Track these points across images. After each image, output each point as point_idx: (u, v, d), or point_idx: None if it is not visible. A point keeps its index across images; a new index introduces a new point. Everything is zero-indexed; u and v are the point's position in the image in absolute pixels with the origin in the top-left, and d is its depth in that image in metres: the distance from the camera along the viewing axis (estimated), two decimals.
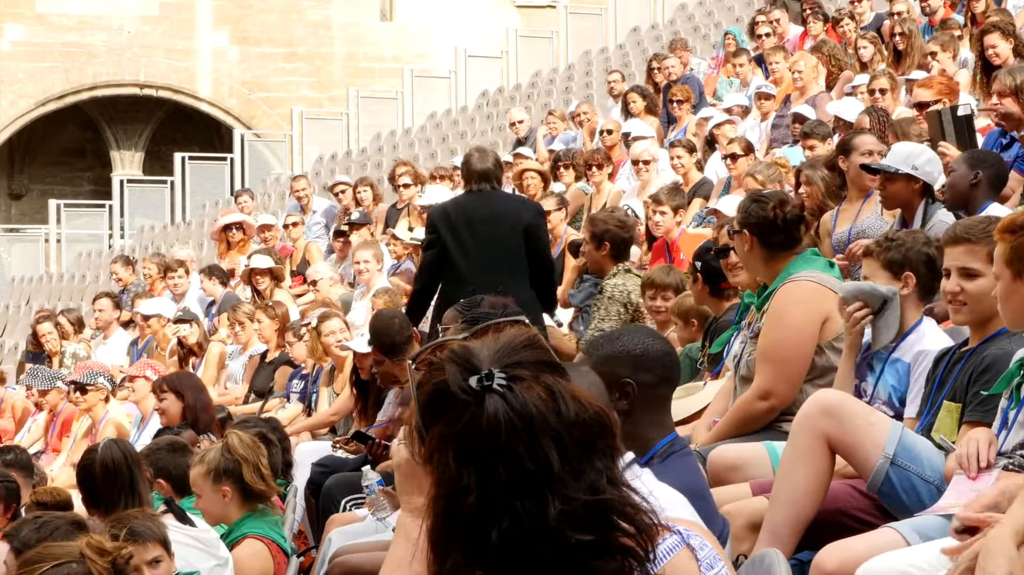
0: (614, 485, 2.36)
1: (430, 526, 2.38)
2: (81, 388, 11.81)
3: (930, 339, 5.62)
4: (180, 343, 13.81)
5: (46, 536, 4.88)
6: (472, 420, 2.33)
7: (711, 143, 14.26)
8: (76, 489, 9.90)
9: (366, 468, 7.84)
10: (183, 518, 6.25)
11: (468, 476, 2.32)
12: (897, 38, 13.68)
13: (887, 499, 4.92)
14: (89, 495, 6.51)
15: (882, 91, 12.10)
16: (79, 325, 16.60)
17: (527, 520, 2.30)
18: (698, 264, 7.89)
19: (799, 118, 13.14)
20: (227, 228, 17.35)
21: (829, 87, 14.43)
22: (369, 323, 9.29)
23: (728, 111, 14.93)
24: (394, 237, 14.80)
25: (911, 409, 5.41)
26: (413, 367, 2.58)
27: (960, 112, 9.23)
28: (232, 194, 26.89)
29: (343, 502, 8.58)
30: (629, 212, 11.06)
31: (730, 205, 9.59)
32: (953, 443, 4.85)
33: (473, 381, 2.35)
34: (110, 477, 6.35)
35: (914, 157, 7.83)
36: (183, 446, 7.40)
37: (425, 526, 2.39)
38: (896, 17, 14.58)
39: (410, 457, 2.59)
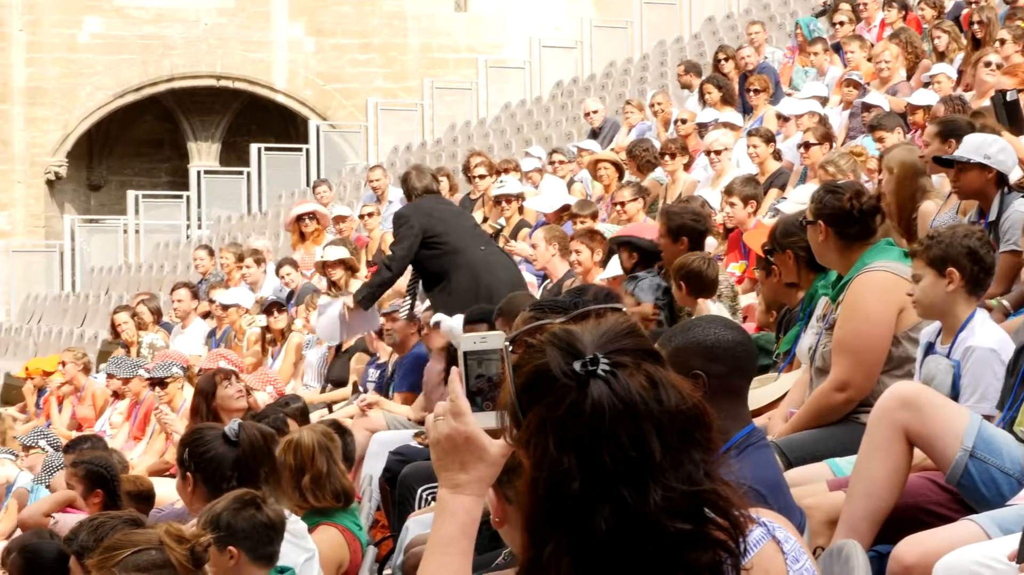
0: (710, 477, 2.36)
1: (529, 509, 2.36)
2: (160, 383, 11.94)
3: (981, 335, 5.53)
4: (266, 330, 13.90)
5: (103, 537, 4.89)
6: (574, 405, 2.32)
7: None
8: (158, 477, 10.04)
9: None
10: None
11: (569, 461, 2.31)
12: (975, 26, 13.56)
13: (966, 492, 4.88)
14: (207, 478, 6.31)
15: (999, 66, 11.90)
16: (157, 315, 16.72)
17: (629, 508, 2.30)
18: (770, 257, 7.84)
19: (869, 108, 13.04)
20: (301, 218, 17.42)
21: (909, 76, 14.32)
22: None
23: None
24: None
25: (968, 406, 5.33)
26: (509, 348, 2.57)
27: (1008, 98, 9.17)
28: (308, 185, 27.05)
29: (419, 491, 8.62)
30: (704, 203, 11.02)
31: (802, 196, 9.55)
32: None
33: (577, 365, 2.34)
34: (252, 460, 6.22)
35: (986, 146, 7.75)
36: (269, 433, 7.35)
37: (521, 509, 2.38)
38: (974, 6, 14.44)
39: (451, 433, 2.57)
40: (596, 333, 2.40)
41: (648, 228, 10.17)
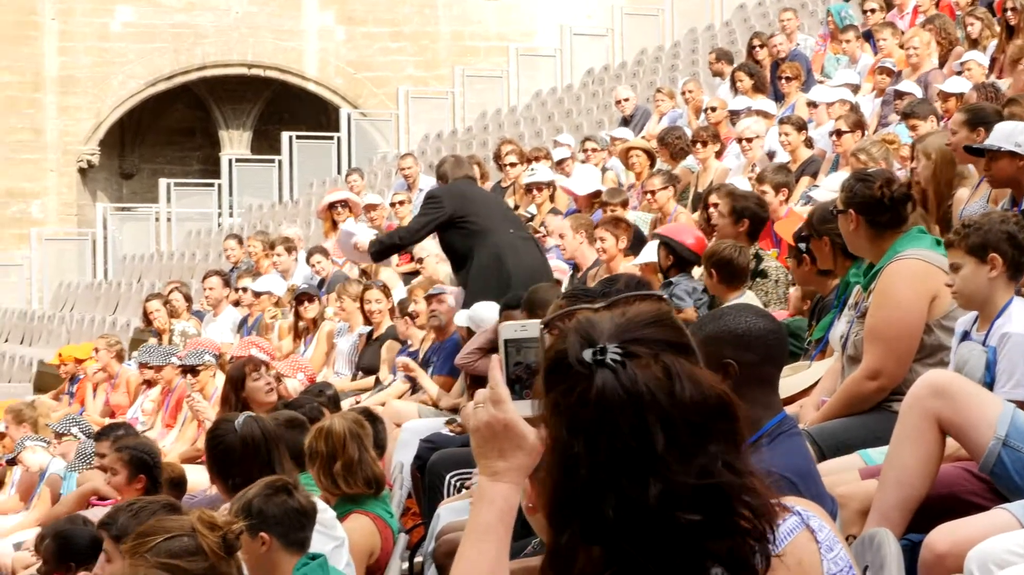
0: (731, 469, 2.36)
1: (547, 495, 2.40)
2: (192, 370, 11.99)
3: (1018, 321, 5.47)
4: (298, 318, 13.93)
5: (141, 522, 4.90)
6: (583, 392, 2.35)
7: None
8: (190, 464, 10.08)
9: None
10: None
11: (578, 447, 2.34)
12: (1009, 13, 13.48)
13: (999, 480, 4.87)
14: (220, 469, 6.47)
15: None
16: (189, 302, 16.77)
17: (631, 499, 2.32)
18: (802, 246, 7.82)
19: (901, 95, 12.98)
20: (333, 206, 17.45)
21: (941, 63, 14.25)
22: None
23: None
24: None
25: (1003, 392, 5.30)
26: (544, 331, 2.59)
27: None
28: (339, 173, 27.08)
29: (447, 477, 8.63)
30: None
31: (835, 184, 9.54)
32: None
33: (587, 354, 2.37)
34: (249, 453, 6.34)
35: (1017, 134, 7.68)
36: (301, 422, 7.39)
37: (543, 493, 2.41)
38: None
39: (490, 421, 2.58)
40: (616, 322, 2.42)
41: (691, 230, 10.16)
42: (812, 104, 14.50)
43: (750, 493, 2.38)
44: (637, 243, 12.24)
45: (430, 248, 13.82)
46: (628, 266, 10.75)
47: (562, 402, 2.38)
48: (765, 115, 14.61)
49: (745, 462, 2.40)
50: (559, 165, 16.63)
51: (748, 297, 8.36)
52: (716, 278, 8.48)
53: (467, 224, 10.96)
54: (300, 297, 13.90)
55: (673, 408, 2.34)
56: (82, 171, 32.52)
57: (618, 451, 2.32)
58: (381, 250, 11.76)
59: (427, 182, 18.87)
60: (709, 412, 2.36)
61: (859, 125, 12.53)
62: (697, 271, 9.53)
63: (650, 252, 10.38)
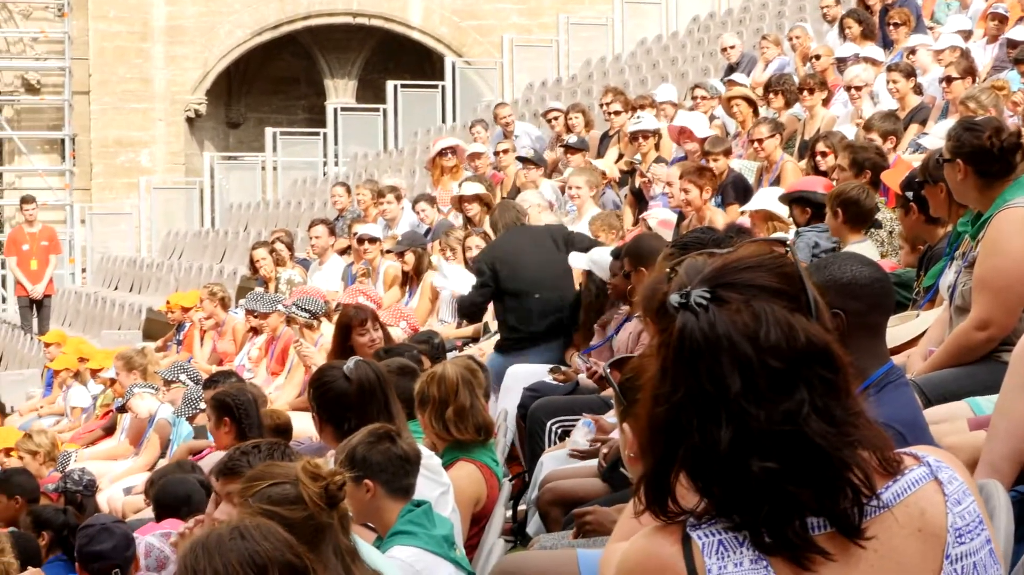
0: (826, 417, 2.35)
1: (642, 426, 2.44)
2: (291, 319, 12.14)
3: None
4: (405, 270, 13.98)
5: (252, 466, 4.94)
6: (672, 333, 2.39)
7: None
8: (295, 411, 10.17)
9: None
10: None
11: (664, 386, 2.38)
12: None
13: None
14: (332, 415, 6.39)
15: None
16: (291, 251, 16.87)
17: (704, 440, 2.34)
18: (909, 194, 7.72)
19: (1013, 43, 12.77)
20: (442, 153, 17.48)
21: None
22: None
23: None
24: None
25: None
26: (669, 276, 2.63)
27: None
28: (443, 121, 27.11)
29: (548, 424, 8.65)
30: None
31: (944, 131, 9.41)
32: None
33: (675, 297, 2.40)
34: (365, 397, 6.29)
35: None
36: (412, 370, 7.41)
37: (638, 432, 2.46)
38: None
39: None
40: (714, 266, 2.45)
41: (818, 181, 10.05)
42: (922, 50, 14.29)
43: (849, 443, 2.36)
44: (742, 192, 12.16)
45: (532, 198, 13.80)
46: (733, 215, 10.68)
47: (660, 342, 2.42)
48: (873, 62, 14.41)
49: (849, 411, 2.38)
50: (662, 110, 16.51)
51: (866, 246, 8.27)
52: (841, 218, 8.40)
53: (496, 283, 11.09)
54: (401, 252, 13.94)
55: (753, 353, 2.34)
56: (189, 120, 32.82)
57: (694, 393, 2.35)
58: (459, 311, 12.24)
59: (523, 128, 18.87)
60: (797, 359, 2.36)
61: (970, 72, 12.34)
62: None
63: (761, 200, 10.29)
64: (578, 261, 10.29)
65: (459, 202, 14.83)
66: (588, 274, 10.13)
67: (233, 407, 8.23)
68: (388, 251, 14.37)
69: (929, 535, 2.43)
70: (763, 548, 2.34)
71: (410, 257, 13.81)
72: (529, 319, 10.73)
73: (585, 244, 10.88)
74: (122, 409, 12.78)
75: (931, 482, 2.46)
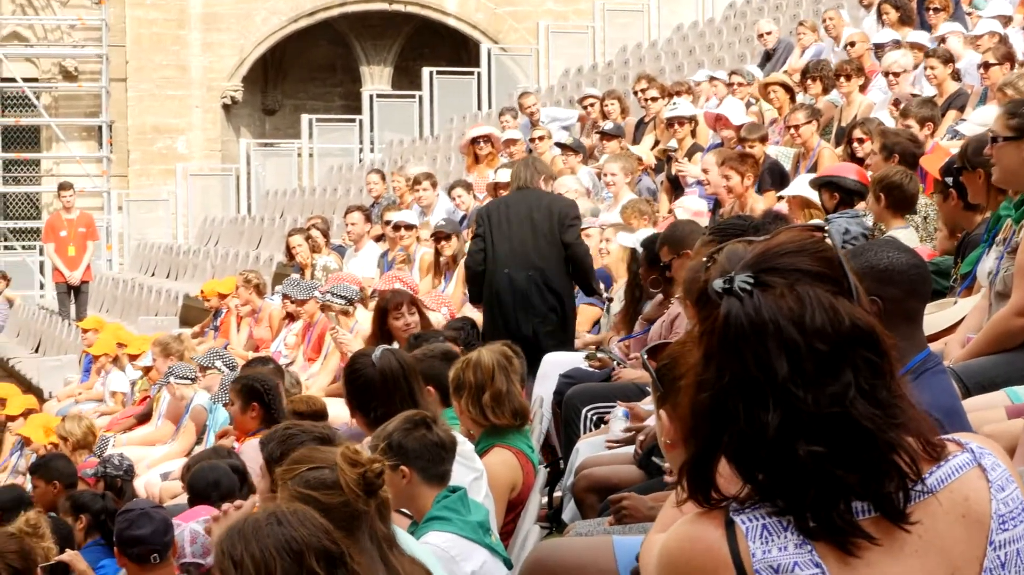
0: (872, 400, 2.35)
1: (685, 413, 2.44)
2: (326, 306, 12.16)
3: None
4: (437, 255, 13.97)
5: (291, 449, 4.95)
6: (715, 320, 2.39)
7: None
8: (331, 397, 10.20)
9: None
10: None
11: (708, 372, 2.38)
12: None
13: None
14: (360, 402, 6.53)
15: None
16: (327, 237, 16.88)
17: (751, 426, 2.34)
18: (948, 179, 7.68)
19: None
20: (475, 141, 17.47)
21: None
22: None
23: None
24: None
25: None
26: (707, 263, 2.62)
27: None
28: (479, 108, 27.08)
29: (584, 411, 8.64)
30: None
31: (984, 117, 9.36)
32: None
33: (718, 283, 2.40)
34: (388, 386, 6.38)
35: None
36: (455, 355, 7.42)
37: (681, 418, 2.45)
38: None
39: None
40: (757, 251, 2.44)
41: (850, 168, 10.00)
42: (960, 36, 14.20)
43: (895, 425, 2.35)
44: (779, 178, 12.12)
45: (568, 183, 13.79)
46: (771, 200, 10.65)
47: (703, 328, 2.42)
48: (920, 48, 14.29)
49: (894, 394, 2.38)
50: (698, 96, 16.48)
51: (908, 232, 8.23)
52: (884, 203, 8.36)
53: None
54: (437, 235, 13.92)
55: (800, 337, 2.34)
56: (226, 107, 32.90)
57: (740, 378, 2.35)
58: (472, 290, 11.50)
59: (549, 114, 18.85)
60: (843, 341, 2.35)
61: (1008, 57, 12.25)
62: (862, 206, 9.38)
63: (798, 187, 10.26)
64: (627, 240, 10.31)
65: (495, 189, 14.82)
66: (633, 253, 10.07)
67: (263, 392, 8.25)
68: (433, 234, 14.36)
69: (973, 521, 2.42)
70: (807, 533, 2.34)
71: (454, 241, 13.82)
72: (495, 296, 10.63)
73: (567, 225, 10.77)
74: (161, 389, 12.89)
75: (975, 468, 2.45)
